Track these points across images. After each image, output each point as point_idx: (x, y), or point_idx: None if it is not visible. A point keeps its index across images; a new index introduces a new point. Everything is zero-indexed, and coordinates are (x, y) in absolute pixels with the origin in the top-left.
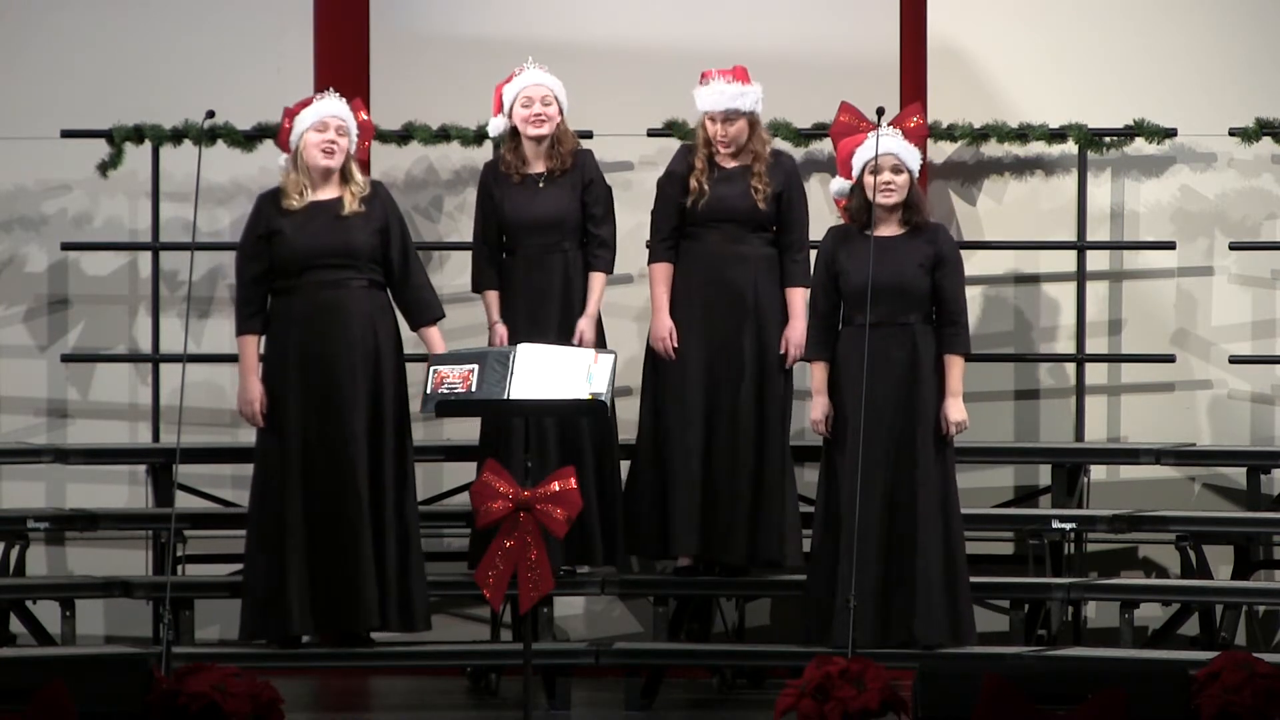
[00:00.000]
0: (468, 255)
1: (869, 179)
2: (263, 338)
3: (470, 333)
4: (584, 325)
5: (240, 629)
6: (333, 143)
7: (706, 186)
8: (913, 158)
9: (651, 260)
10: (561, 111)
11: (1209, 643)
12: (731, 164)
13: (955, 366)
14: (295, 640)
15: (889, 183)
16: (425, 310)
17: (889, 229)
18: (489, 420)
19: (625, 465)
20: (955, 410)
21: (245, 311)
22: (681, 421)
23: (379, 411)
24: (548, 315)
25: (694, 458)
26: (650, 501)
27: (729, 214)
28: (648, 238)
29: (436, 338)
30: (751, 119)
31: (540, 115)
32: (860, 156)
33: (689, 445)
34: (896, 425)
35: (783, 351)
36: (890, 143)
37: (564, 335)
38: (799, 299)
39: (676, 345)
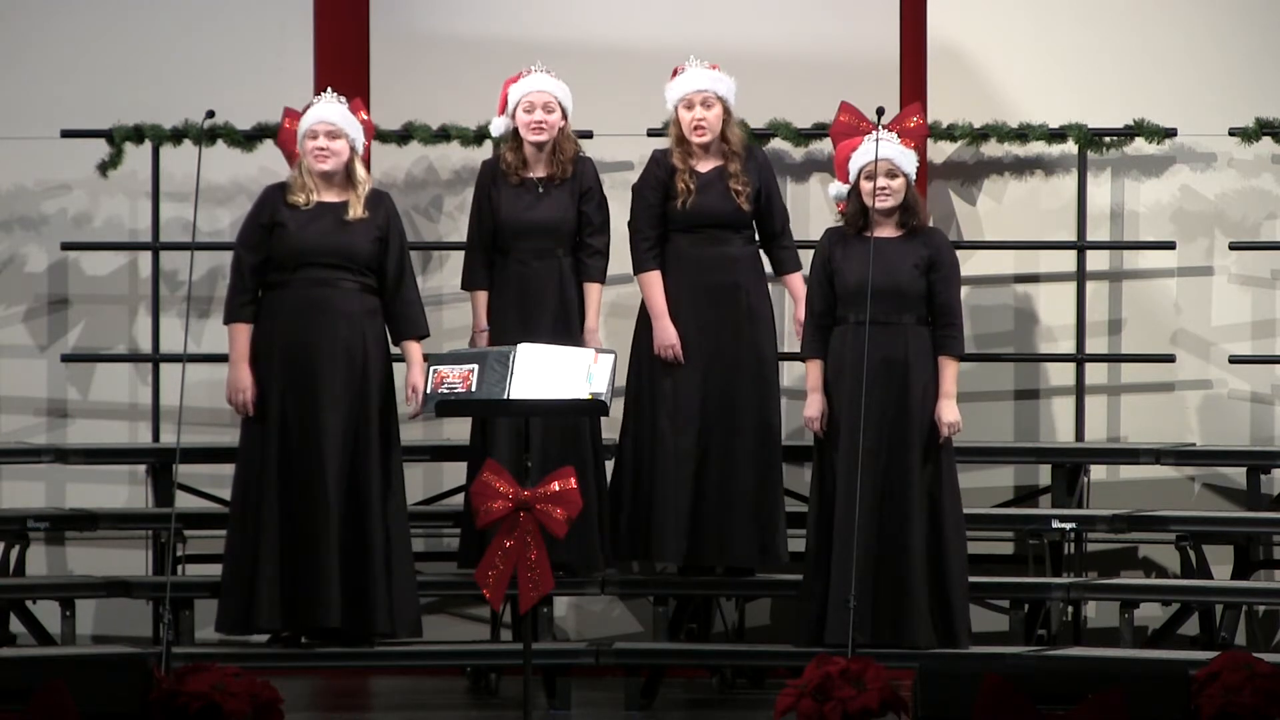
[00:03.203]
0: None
1: (865, 184)
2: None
3: (470, 333)
4: (589, 340)
5: (216, 621)
6: (324, 149)
7: (692, 186)
8: (908, 161)
9: (640, 270)
10: (565, 116)
11: (1209, 643)
12: (706, 166)
13: (949, 368)
14: (293, 638)
15: (884, 188)
16: (411, 325)
17: (885, 231)
18: (479, 420)
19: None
20: (949, 411)
21: (238, 300)
22: (675, 428)
23: (361, 411)
24: (540, 320)
25: (688, 463)
26: (635, 507)
27: (712, 219)
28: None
29: (417, 354)
30: (726, 108)
31: (541, 123)
32: (856, 161)
33: (683, 451)
34: (888, 425)
35: (800, 336)
36: (886, 148)
37: (555, 340)
38: (798, 284)
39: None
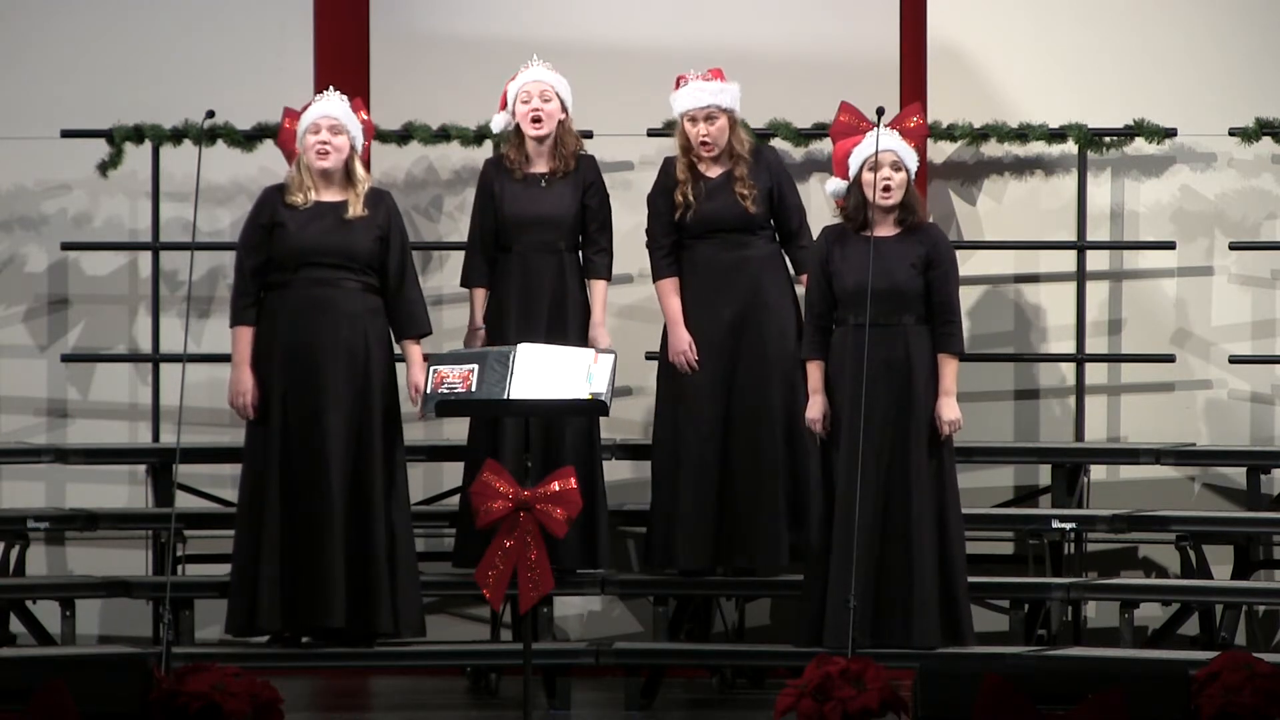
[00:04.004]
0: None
1: (868, 176)
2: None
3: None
4: (598, 335)
5: (225, 623)
6: (326, 143)
7: (694, 199)
8: (910, 157)
9: (657, 277)
10: (565, 109)
11: (1209, 643)
12: (715, 171)
13: (948, 366)
14: (293, 638)
15: (888, 179)
16: (413, 324)
17: (883, 229)
18: (477, 420)
19: (624, 465)
20: (949, 409)
21: (241, 303)
22: (698, 434)
23: (364, 411)
24: (538, 314)
25: (712, 470)
26: (663, 515)
27: (723, 224)
28: (646, 250)
29: (418, 353)
30: (731, 117)
31: (538, 111)
32: (859, 155)
33: (707, 458)
34: (890, 425)
35: None
36: (889, 140)
37: (554, 335)
38: None
39: (697, 357)
